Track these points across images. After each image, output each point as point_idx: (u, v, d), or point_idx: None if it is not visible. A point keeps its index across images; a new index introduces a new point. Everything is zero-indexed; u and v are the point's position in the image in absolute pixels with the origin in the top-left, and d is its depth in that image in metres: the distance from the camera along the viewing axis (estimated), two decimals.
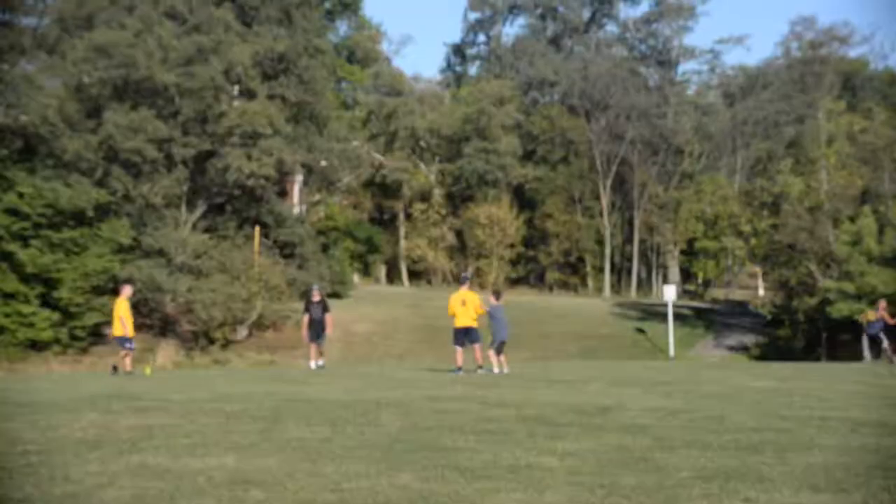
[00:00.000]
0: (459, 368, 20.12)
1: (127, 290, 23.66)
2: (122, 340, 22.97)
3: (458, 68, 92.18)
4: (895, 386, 15.57)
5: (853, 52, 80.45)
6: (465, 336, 20.28)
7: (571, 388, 15.12)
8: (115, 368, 23.20)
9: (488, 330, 21.01)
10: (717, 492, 6.46)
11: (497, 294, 21.21)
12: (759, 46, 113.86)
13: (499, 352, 20.32)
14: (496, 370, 19.94)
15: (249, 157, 50.02)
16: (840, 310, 50.62)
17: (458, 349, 20.30)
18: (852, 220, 54.94)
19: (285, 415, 11.08)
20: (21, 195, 43.26)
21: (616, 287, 76.74)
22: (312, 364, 23.53)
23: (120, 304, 23.05)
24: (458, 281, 21.65)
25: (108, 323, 46.78)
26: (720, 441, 8.78)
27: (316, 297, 23.76)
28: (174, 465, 7.68)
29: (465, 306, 20.20)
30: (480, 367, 20.41)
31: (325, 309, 23.69)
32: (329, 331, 23.71)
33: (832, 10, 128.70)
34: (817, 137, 61.33)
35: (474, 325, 20.33)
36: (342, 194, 72.98)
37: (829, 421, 10.31)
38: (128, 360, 23.05)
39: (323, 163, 59.31)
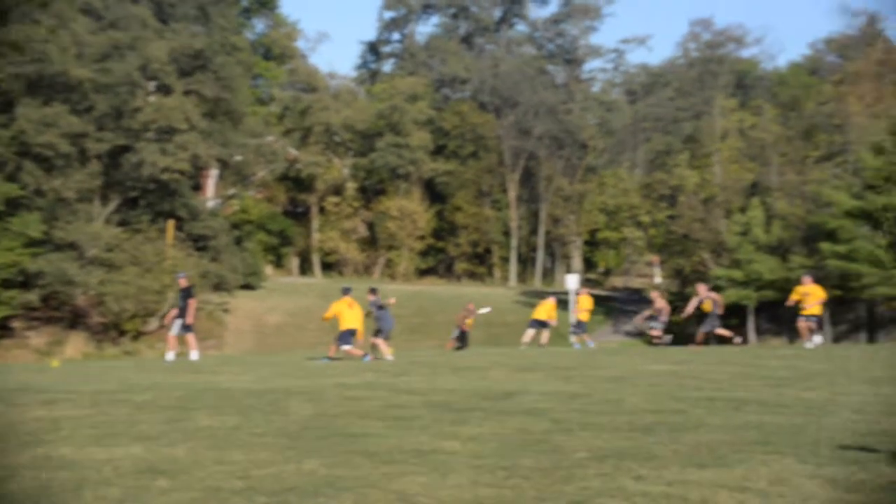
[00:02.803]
0: (367, 355, 21.04)
1: None
2: None
3: (372, 65, 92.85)
4: (775, 367, 16.05)
5: (746, 53, 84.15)
6: (352, 336, 21.15)
7: (476, 375, 15.15)
8: None
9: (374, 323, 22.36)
10: (610, 471, 6.64)
11: (374, 291, 22.23)
12: (660, 46, 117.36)
13: (385, 340, 21.59)
14: (388, 357, 20.98)
15: (164, 152, 50.30)
16: (729, 296, 53.29)
17: (349, 347, 21.13)
18: (742, 211, 57.93)
19: (194, 404, 10.90)
20: None
21: (522, 276, 78.86)
22: (170, 355, 22.43)
23: None
24: (343, 292, 21.74)
25: (17, 316, 47.23)
26: (616, 423, 8.98)
27: (182, 284, 22.76)
28: (79, 456, 7.58)
29: (353, 309, 21.16)
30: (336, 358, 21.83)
31: (187, 296, 22.29)
32: (188, 320, 22.03)
33: (729, 12, 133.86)
34: (712, 133, 64.08)
35: (359, 327, 21.40)
36: (257, 188, 73.57)
37: (717, 401, 10.61)
38: None
39: (238, 157, 59.88)
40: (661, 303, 28.69)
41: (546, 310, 29.96)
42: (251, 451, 7.72)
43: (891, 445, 7.37)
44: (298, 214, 79.42)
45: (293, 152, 73.43)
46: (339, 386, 13.05)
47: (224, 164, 60.22)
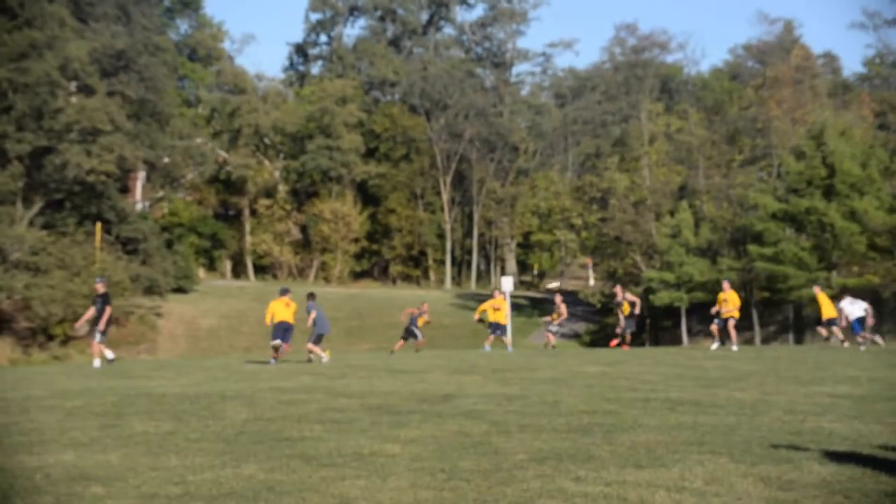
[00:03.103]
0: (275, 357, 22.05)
1: None
2: None
3: (300, 67, 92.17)
4: (707, 368, 16.39)
5: (670, 58, 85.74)
6: (285, 331, 21.99)
7: (414, 377, 15.21)
8: None
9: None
10: (550, 472, 6.67)
11: (312, 296, 23.00)
12: (587, 51, 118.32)
13: (317, 343, 22.22)
14: (325, 359, 21.41)
15: (89, 154, 49.43)
16: (661, 298, 54.15)
17: (280, 342, 21.93)
18: (671, 213, 58.75)
19: (127, 409, 10.74)
20: None
21: (457, 279, 79.23)
22: (97, 362, 21.66)
23: None
24: (280, 293, 22.76)
25: None
26: (553, 424, 9.03)
27: (99, 290, 22.28)
28: (9, 464, 7.39)
29: (288, 308, 22.27)
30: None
31: (105, 302, 21.92)
32: (100, 326, 21.61)
33: (653, 17, 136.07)
34: (640, 136, 64.93)
35: (293, 322, 22.38)
36: (186, 190, 72.66)
37: (651, 402, 10.76)
38: None
39: (166, 159, 59.12)
40: (563, 308, 29.28)
41: (504, 311, 29.95)
42: (187, 456, 7.61)
43: (820, 444, 7.54)
44: (230, 217, 78.62)
45: (222, 154, 72.66)
46: (274, 390, 12.96)
47: (151, 167, 59.38)
